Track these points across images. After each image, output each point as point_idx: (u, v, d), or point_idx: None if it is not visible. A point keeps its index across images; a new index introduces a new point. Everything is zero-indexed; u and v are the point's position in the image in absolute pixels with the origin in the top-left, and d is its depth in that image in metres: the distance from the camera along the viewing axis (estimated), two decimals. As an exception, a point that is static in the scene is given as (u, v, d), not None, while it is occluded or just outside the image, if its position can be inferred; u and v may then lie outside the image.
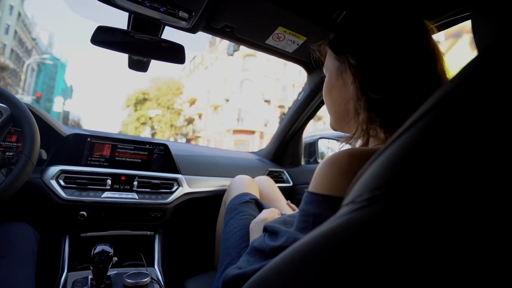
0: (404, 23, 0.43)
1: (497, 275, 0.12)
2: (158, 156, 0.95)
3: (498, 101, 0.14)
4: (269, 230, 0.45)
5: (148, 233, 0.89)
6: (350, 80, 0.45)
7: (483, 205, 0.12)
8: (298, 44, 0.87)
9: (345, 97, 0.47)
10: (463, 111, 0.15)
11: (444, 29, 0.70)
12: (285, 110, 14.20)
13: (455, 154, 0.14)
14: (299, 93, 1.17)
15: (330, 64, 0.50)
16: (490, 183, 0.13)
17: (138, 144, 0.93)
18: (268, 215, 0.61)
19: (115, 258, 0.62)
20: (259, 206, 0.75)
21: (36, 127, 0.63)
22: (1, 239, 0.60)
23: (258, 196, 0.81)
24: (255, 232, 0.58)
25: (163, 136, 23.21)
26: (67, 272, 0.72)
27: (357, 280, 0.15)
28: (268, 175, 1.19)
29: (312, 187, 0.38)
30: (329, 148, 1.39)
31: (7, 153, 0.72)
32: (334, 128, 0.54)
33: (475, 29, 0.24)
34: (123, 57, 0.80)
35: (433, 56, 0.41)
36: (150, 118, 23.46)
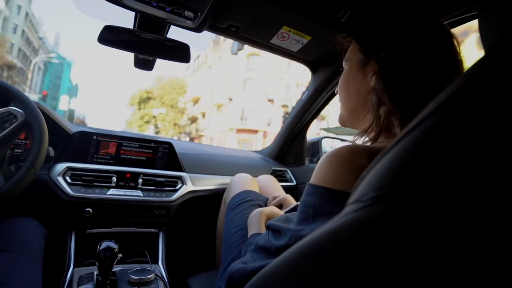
0: (430, 22, 0.44)
1: (502, 274, 0.12)
2: (162, 154, 0.96)
3: (504, 101, 0.14)
4: (272, 229, 0.46)
5: (153, 230, 0.89)
6: (372, 73, 0.45)
7: (488, 204, 0.12)
8: (302, 44, 0.87)
9: (364, 90, 0.47)
10: (469, 111, 0.15)
11: (451, 28, 0.69)
12: (289, 110, 14.16)
13: (461, 153, 0.14)
14: (303, 93, 1.16)
15: (352, 56, 0.50)
16: (496, 183, 0.13)
17: (143, 142, 0.94)
18: (266, 209, 0.62)
19: (120, 255, 0.63)
20: (259, 204, 0.75)
21: (46, 136, 0.63)
22: (9, 234, 0.61)
23: (258, 195, 0.81)
24: (252, 224, 0.59)
25: (166, 134, 23.32)
26: (73, 268, 0.73)
27: (361, 279, 0.15)
28: (271, 174, 1.19)
29: (313, 179, 0.39)
30: (333, 147, 1.39)
31: (15, 150, 0.73)
32: (343, 123, 0.54)
33: (482, 29, 0.24)
34: (128, 56, 0.81)
35: (456, 55, 0.42)
36: (154, 117, 23.60)
